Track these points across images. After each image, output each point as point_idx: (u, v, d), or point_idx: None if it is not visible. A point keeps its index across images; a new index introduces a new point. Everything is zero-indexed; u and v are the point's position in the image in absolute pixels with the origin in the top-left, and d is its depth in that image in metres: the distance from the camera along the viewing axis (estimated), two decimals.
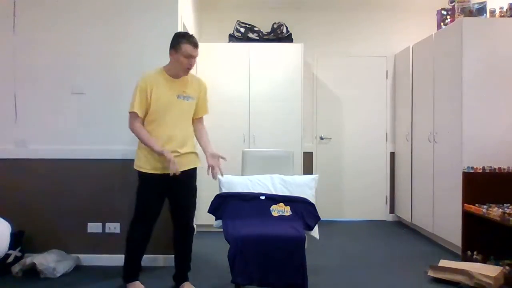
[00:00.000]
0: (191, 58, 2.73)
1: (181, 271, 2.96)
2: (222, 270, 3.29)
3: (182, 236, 2.93)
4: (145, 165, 2.79)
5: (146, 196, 2.80)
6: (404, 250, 4.03)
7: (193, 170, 2.91)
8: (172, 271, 3.02)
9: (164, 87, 2.76)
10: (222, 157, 2.87)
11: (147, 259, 3.35)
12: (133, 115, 2.75)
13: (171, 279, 3.02)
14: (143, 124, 2.78)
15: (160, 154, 2.69)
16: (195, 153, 2.93)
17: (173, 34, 2.81)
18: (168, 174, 2.71)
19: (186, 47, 2.70)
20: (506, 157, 3.66)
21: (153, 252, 3.36)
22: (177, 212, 2.89)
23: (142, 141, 2.76)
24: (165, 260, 3.47)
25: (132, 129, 2.78)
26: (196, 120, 2.98)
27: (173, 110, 2.78)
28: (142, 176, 2.81)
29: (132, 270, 2.92)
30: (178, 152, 2.77)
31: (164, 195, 2.86)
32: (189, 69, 2.77)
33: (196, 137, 2.98)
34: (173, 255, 2.99)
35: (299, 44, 4.77)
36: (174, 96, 2.78)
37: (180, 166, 2.76)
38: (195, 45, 2.74)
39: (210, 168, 2.84)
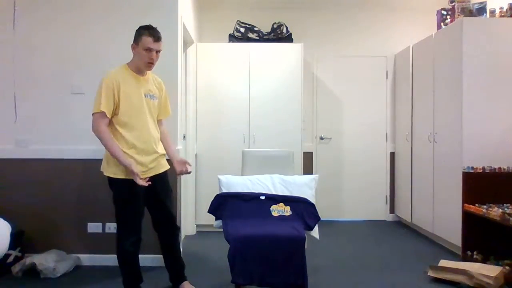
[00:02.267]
0: (151, 51, 2.58)
1: (177, 271, 2.95)
2: (222, 270, 3.29)
3: (172, 237, 2.89)
4: (119, 170, 2.56)
5: (129, 204, 2.61)
6: (404, 250, 4.03)
7: (166, 172, 2.86)
8: None
9: (131, 85, 2.62)
10: (188, 164, 2.85)
11: (147, 259, 3.36)
12: (99, 115, 2.53)
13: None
14: (112, 127, 2.59)
15: (127, 166, 2.50)
16: (165, 154, 2.85)
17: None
18: (146, 176, 2.61)
19: (146, 39, 2.57)
20: (506, 157, 3.66)
21: (153, 252, 3.36)
22: (163, 215, 2.82)
23: (107, 147, 2.52)
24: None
25: (98, 132, 2.52)
26: (159, 122, 2.85)
27: (145, 109, 2.65)
28: (118, 183, 2.59)
29: (133, 284, 2.73)
30: (158, 152, 2.72)
31: (143, 199, 2.68)
32: (150, 63, 2.63)
33: (161, 140, 2.83)
34: None
35: (299, 44, 4.77)
36: (142, 95, 2.65)
37: (159, 167, 2.75)
38: (156, 38, 2.60)
39: (180, 173, 2.84)
